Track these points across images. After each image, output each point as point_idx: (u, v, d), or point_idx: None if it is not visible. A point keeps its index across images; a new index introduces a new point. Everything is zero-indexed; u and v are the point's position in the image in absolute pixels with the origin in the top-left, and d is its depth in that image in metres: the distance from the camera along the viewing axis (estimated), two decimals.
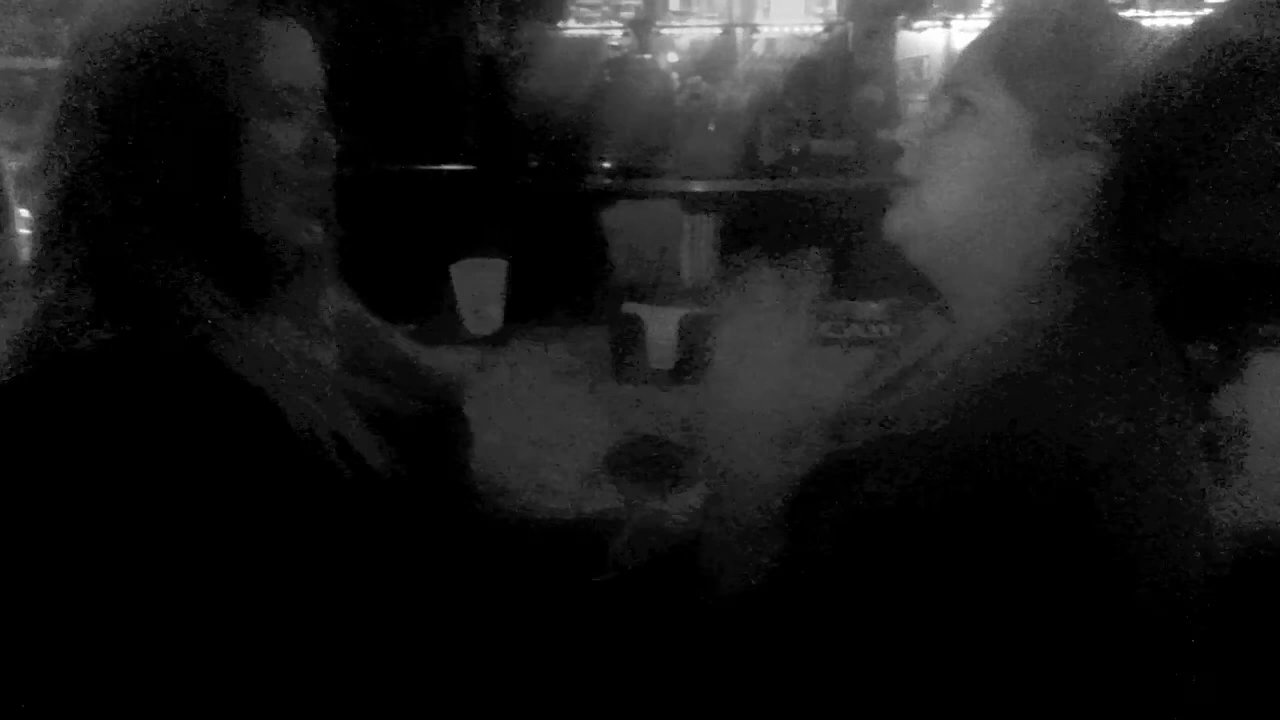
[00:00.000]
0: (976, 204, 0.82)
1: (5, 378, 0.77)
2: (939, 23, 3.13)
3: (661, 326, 1.73)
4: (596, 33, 3.19)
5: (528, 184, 2.96)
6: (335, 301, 1.03)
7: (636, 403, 1.63)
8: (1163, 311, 0.81)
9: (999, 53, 0.82)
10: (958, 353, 0.84)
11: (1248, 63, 0.77)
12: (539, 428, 1.54)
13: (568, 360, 1.84)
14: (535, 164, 2.97)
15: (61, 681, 0.75)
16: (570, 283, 2.02)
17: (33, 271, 0.82)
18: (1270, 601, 1.10)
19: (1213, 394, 1.26)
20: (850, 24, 3.12)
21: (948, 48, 3.19)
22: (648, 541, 1.17)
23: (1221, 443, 1.27)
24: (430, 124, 2.90)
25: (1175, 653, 0.77)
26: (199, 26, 0.81)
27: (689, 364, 1.71)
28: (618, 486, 1.36)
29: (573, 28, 3.18)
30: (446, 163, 2.93)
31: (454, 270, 1.89)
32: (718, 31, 3.26)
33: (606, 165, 2.97)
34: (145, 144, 0.80)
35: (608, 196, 2.76)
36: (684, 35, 3.29)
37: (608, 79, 2.98)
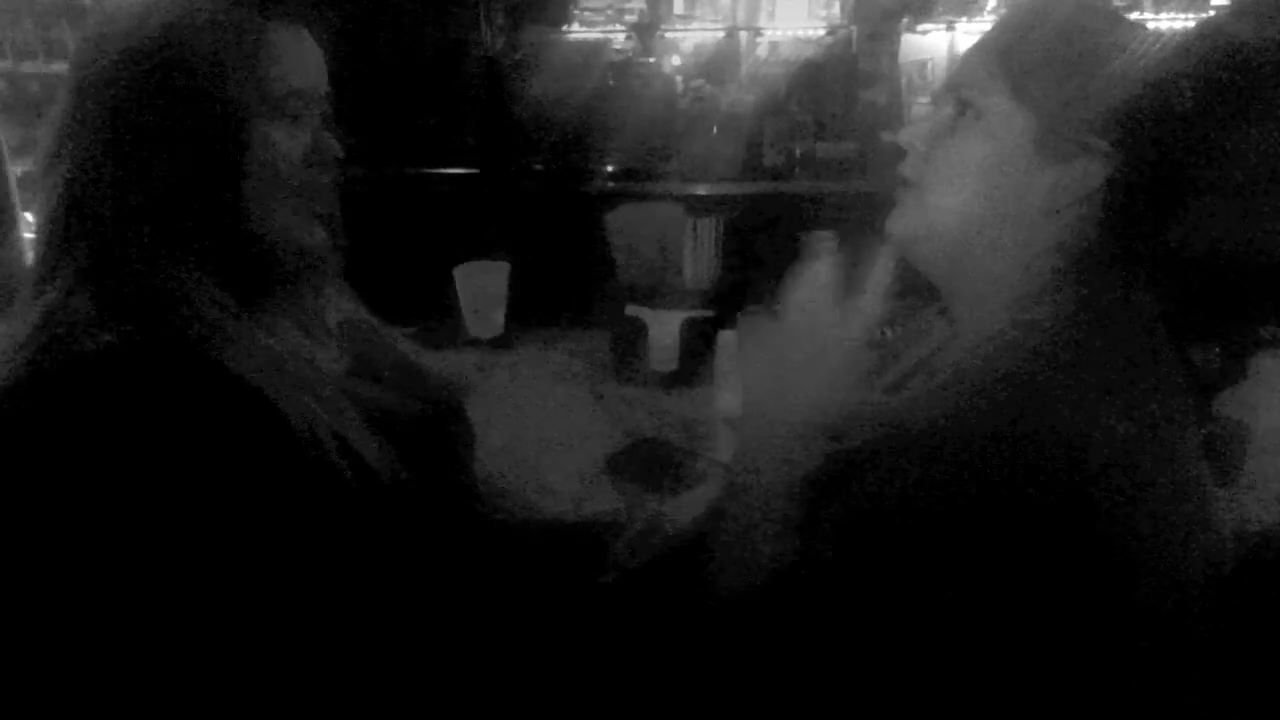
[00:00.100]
0: (979, 206, 0.82)
1: (11, 380, 0.77)
2: (942, 26, 3.14)
3: (663, 329, 1.73)
4: (600, 36, 3.20)
5: (531, 187, 2.97)
6: (338, 304, 1.03)
7: (638, 405, 1.63)
8: (1165, 313, 0.81)
9: (1002, 55, 0.82)
10: (959, 353, 0.84)
11: (1250, 64, 0.77)
12: (541, 430, 1.54)
13: (570, 362, 1.84)
14: (538, 167, 2.98)
15: (62, 683, 0.75)
16: (573, 285, 2.02)
17: (38, 274, 0.83)
18: (1270, 602, 1.10)
19: (1214, 395, 1.26)
20: (854, 27, 3.13)
21: (951, 51, 3.19)
22: (649, 543, 1.17)
23: (1222, 444, 1.27)
24: (434, 127, 2.91)
25: (1175, 653, 0.77)
26: (204, 30, 0.82)
27: (690, 367, 1.71)
28: (619, 488, 1.36)
29: (576, 31, 3.19)
30: (450, 165, 2.94)
31: (457, 273, 1.89)
32: (721, 35, 3.26)
33: (610, 168, 2.98)
34: (150, 147, 0.81)
35: (611, 199, 2.77)
36: (688, 39, 3.29)
37: (611, 82, 2.99)
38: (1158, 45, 0.78)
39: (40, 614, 0.74)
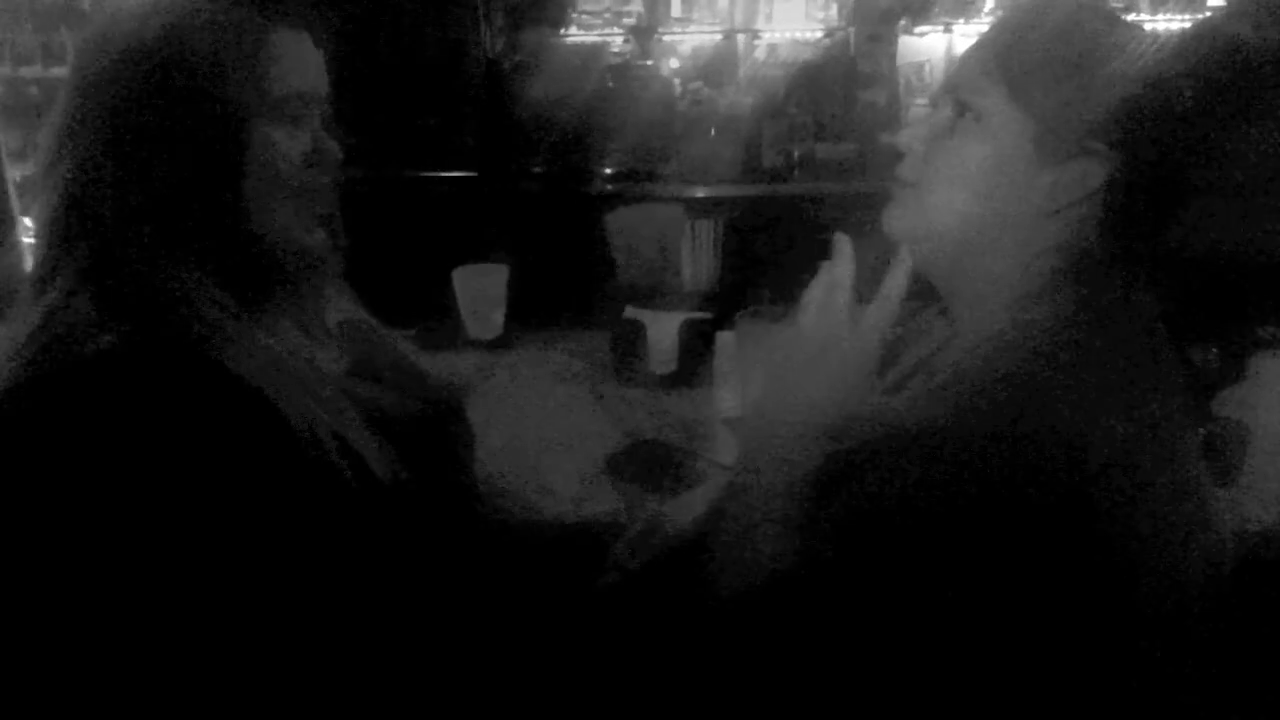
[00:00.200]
0: (977, 207, 0.82)
1: (12, 381, 0.77)
2: (940, 28, 3.14)
3: (662, 330, 1.74)
4: (599, 39, 3.20)
5: (530, 189, 2.97)
6: (338, 305, 1.03)
7: (637, 406, 1.63)
8: (1164, 313, 0.81)
9: (999, 57, 0.81)
10: (958, 353, 0.84)
11: (1248, 64, 0.77)
12: (540, 430, 1.54)
13: (569, 363, 1.84)
14: (537, 169, 2.98)
15: (65, 685, 0.75)
16: (572, 287, 2.03)
17: (38, 274, 0.83)
18: (1270, 602, 1.10)
19: (1214, 396, 1.26)
20: (852, 29, 3.13)
21: (949, 52, 3.20)
22: (649, 543, 1.17)
23: (1222, 444, 1.27)
24: (433, 129, 2.91)
25: (1175, 653, 0.77)
26: (204, 32, 0.82)
27: (689, 368, 1.71)
28: (618, 489, 1.36)
29: (575, 34, 3.19)
30: (449, 167, 2.94)
31: (456, 275, 1.89)
32: (719, 37, 3.27)
33: (608, 170, 2.98)
34: (150, 148, 0.81)
35: (609, 201, 2.78)
36: (686, 41, 3.30)
37: (610, 85, 2.99)
38: (1155, 46, 0.78)
39: (44, 615, 0.74)
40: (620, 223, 2.59)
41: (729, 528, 0.86)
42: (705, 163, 3.02)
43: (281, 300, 0.94)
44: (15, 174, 3.05)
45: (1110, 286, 0.81)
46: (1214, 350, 1.22)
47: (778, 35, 3.27)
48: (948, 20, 3.11)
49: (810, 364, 0.86)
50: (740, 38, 3.28)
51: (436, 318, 1.88)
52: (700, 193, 2.96)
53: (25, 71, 3.01)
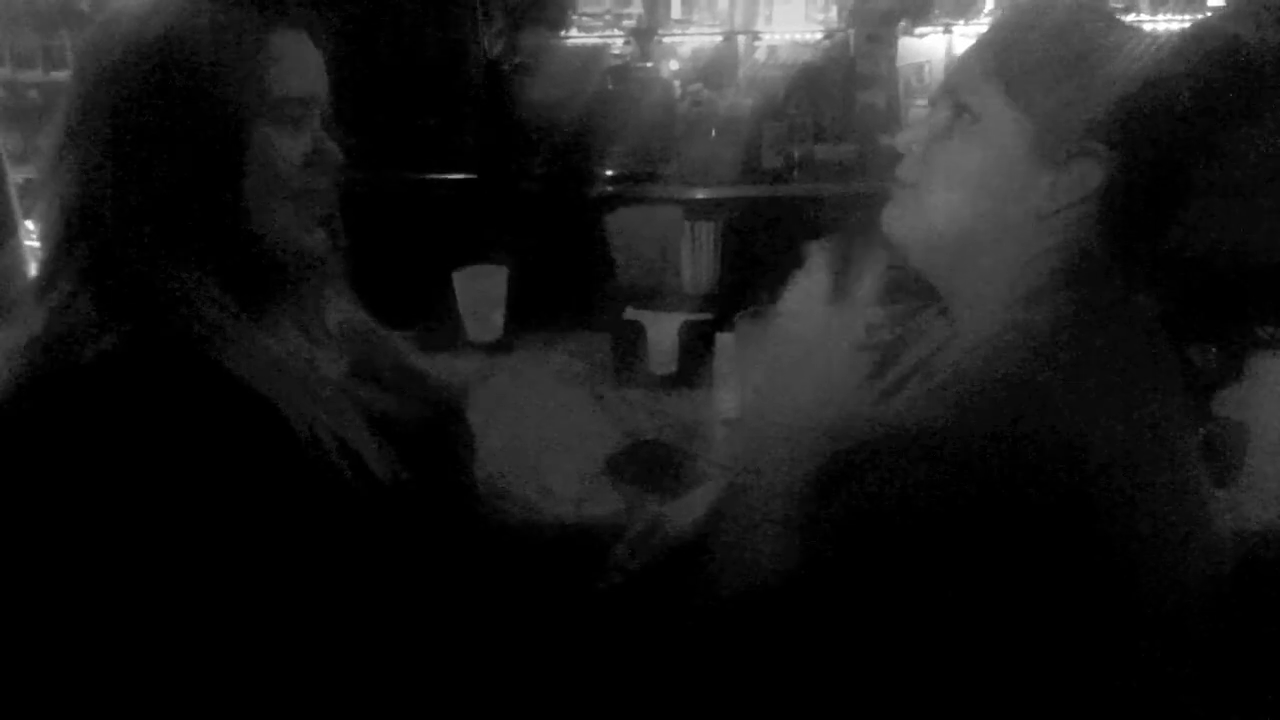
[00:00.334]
0: (977, 209, 0.82)
1: (14, 382, 0.77)
2: (940, 29, 3.14)
3: (662, 331, 1.74)
4: (599, 41, 3.20)
5: (530, 191, 2.97)
6: (338, 306, 1.03)
7: (638, 407, 1.63)
8: (1164, 313, 0.81)
9: (997, 58, 0.81)
10: (958, 354, 0.84)
11: (1248, 64, 0.77)
12: (541, 432, 1.54)
13: (569, 365, 1.84)
14: (537, 171, 2.98)
15: (67, 687, 0.75)
16: (572, 289, 2.03)
17: (40, 278, 0.83)
18: (1270, 602, 1.10)
19: (1213, 396, 1.26)
20: (851, 30, 3.13)
21: (949, 53, 3.20)
22: (649, 544, 1.17)
23: (1222, 444, 1.27)
24: (433, 131, 2.91)
25: (1175, 653, 0.77)
26: (205, 34, 0.82)
27: (689, 369, 1.71)
28: (619, 490, 1.36)
29: (575, 36, 3.19)
30: (449, 170, 2.94)
31: (456, 277, 1.89)
32: (719, 39, 3.26)
33: (608, 172, 2.98)
34: (151, 151, 0.81)
35: (610, 203, 2.77)
36: (686, 43, 3.30)
37: (610, 87, 2.99)
38: (1154, 46, 0.78)
39: (48, 615, 0.74)
40: (620, 224, 2.59)
41: (729, 529, 0.86)
42: (705, 164, 3.01)
43: (282, 301, 0.94)
44: (17, 177, 3.06)
45: (1110, 287, 0.81)
46: (1214, 350, 1.22)
47: (777, 37, 3.26)
48: (947, 21, 3.10)
49: (793, 368, 0.86)
50: (740, 39, 3.27)
51: (436, 319, 1.88)
52: (700, 194, 2.96)
53: (26, 75, 3.01)
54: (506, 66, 2.98)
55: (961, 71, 0.84)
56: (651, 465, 1.42)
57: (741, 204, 2.95)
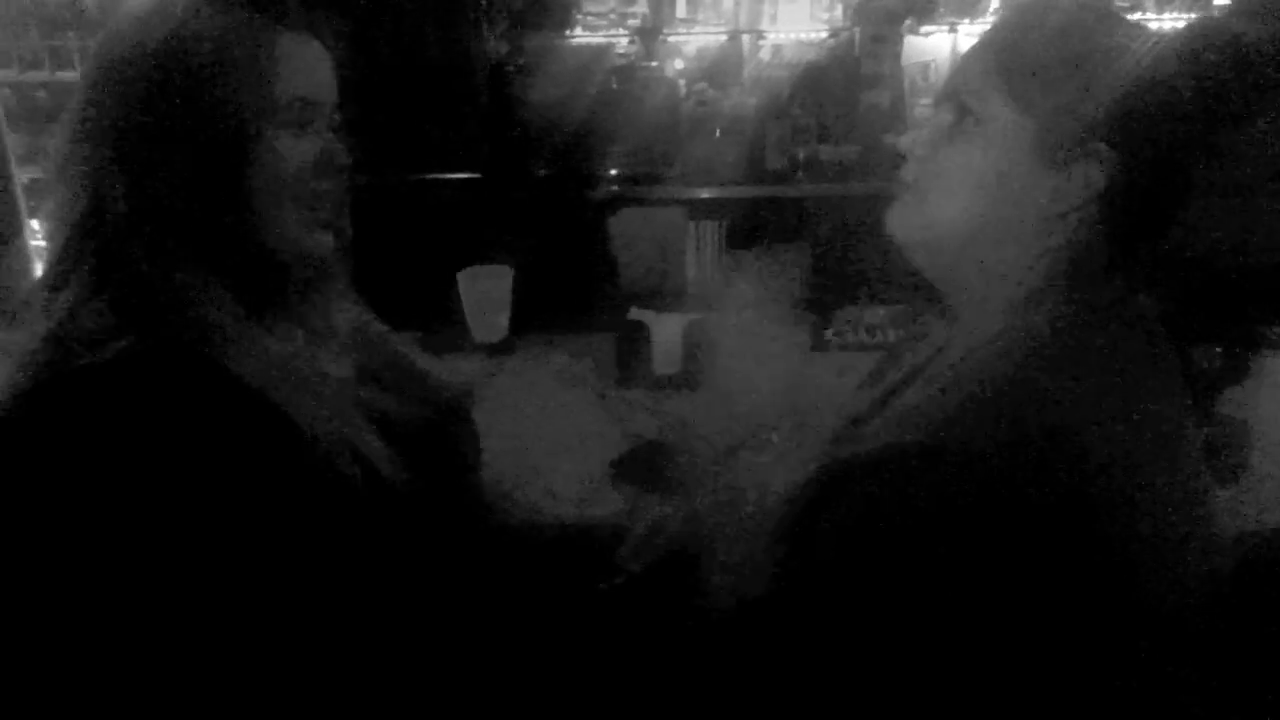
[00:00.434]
0: (980, 211, 0.82)
1: (22, 388, 0.78)
2: (945, 28, 3.13)
3: (667, 332, 1.74)
4: (603, 41, 3.20)
5: (534, 191, 2.97)
6: (344, 309, 1.03)
7: (642, 408, 1.63)
8: (1165, 314, 0.81)
9: (998, 59, 0.81)
10: (960, 355, 0.84)
11: (1246, 59, 0.77)
12: (544, 433, 1.54)
13: (573, 365, 1.84)
14: (542, 172, 2.98)
15: (78, 688, 0.75)
16: (576, 289, 2.03)
17: (48, 281, 0.83)
18: (1270, 602, 1.10)
19: (1215, 396, 1.26)
20: (856, 30, 3.12)
21: (954, 52, 3.19)
22: (653, 546, 1.17)
23: (1223, 444, 1.27)
24: (438, 133, 2.91)
25: (1175, 653, 0.77)
26: (214, 40, 0.82)
27: (694, 369, 1.71)
28: (623, 491, 1.36)
29: (579, 36, 3.19)
30: (454, 171, 2.94)
31: (460, 277, 1.89)
32: (724, 38, 3.26)
33: (613, 172, 2.98)
34: (158, 154, 0.81)
35: (614, 203, 2.77)
36: (690, 42, 3.29)
37: (614, 87, 2.99)
38: (1156, 45, 0.78)
39: (58, 615, 0.75)
40: (624, 224, 2.59)
41: (731, 532, 0.86)
42: (709, 164, 3.01)
43: (288, 303, 0.94)
44: (23, 177, 3.07)
45: (1111, 287, 0.81)
46: (1215, 350, 1.22)
47: (782, 36, 3.26)
48: (953, 20, 3.10)
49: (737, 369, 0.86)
50: (745, 39, 3.27)
51: (441, 320, 1.88)
52: (704, 194, 2.96)
53: (32, 76, 3.01)
54: (511, 67, 2.98)
55: (963, 73, 0.84)
56: (655, 466, 1.42)
57: (746, 204, 2.95)
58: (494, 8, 2.92)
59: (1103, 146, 0.77)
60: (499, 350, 1.90)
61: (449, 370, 1.14)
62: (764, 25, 3.22)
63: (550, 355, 1.89)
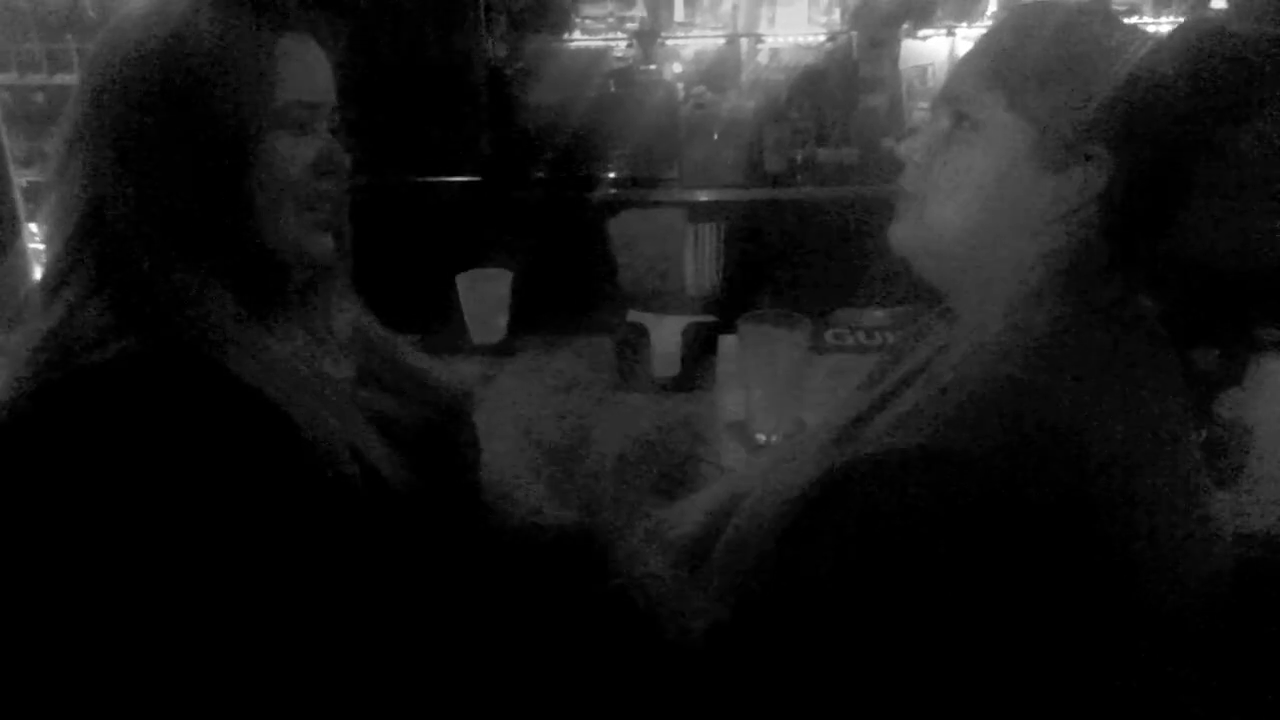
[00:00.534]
0: (979, 216, 0.82)
1: (25, 388, 0.77)
2: (943, 31, 3.14)
3: (666, 334, 1.74)
4: (602, 44, 3.21)
5: (533, 194, 2.97)
6: (345, 311, 1.03)
7: (640, 410, 1.63)
8: (1165, 315, 0.81)
9: (995, 64, 0.81)
10: (960, 357, 0.84)
11: (1239, 55, 0.77)
12: (543, 435, 1.54)
13: (572, 368, 1.84)
14: (541, 174, 2.98)
15: (81, 690, 0.75)
16: (575, 291, 2.03)
17: (49, 283, 0.83)
18: (1270, 602, 1.10)
19: (1214, 397, 1.26)
20: (854, 33, 3.13)
21: (951, 56, 3.19)
22: (653, 550, 1.17)
23: (1222, 445, 1.27)
24: (437, 136, 2.92)
25: (1175, 654, 0.77)
26: (210, 40, 0.82)
27: (692, 372, 1.72)
28: (622, 495, 1.36)
29: (578, 39, 3.20)
30: (453, 174, 2.94)
31: (460, 280, 1.90)
32: (722, 42, 3.26)
33: (612, 175, 2.98)
34: (158, 156, 0.81)
35: (613, 206, 2.78)
36: (689, 46, 3.30)
37: (613, 90, 2.99)
38: (1153, 47, 0.78)
39: (60, 617, 0.75)
40: (623, 227, 2.60)
41: (731, 535, 0.86)
42: (708, 167, 3.02)
43: (288, 305, 0.94)
44: (21, 180, 3.07)
45: (1112, 288, 0.81)
46: (1214, 352, 1.22)
47: (780, 39, 3.27)
48: (950, 24, 3.10)
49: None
50: (743, 42, 3.28)
51: (441, 322, 1.88)
52: (703, 197, 2.97)
53: (31, 78, 3.01)
54: (510, 70, 2.99)
55: (960, 78, 0.84)
56: (654, 469, 1.42)
57: (744, 208, 2.96)
58: (493, 11, 2.92)
59: (1101, 149, 0.77)
60: (498, 352, 1.90)
61: (448, 372, 1.14)
62: (762, 29, 3.23)
63: (549, 357, 1.89)
